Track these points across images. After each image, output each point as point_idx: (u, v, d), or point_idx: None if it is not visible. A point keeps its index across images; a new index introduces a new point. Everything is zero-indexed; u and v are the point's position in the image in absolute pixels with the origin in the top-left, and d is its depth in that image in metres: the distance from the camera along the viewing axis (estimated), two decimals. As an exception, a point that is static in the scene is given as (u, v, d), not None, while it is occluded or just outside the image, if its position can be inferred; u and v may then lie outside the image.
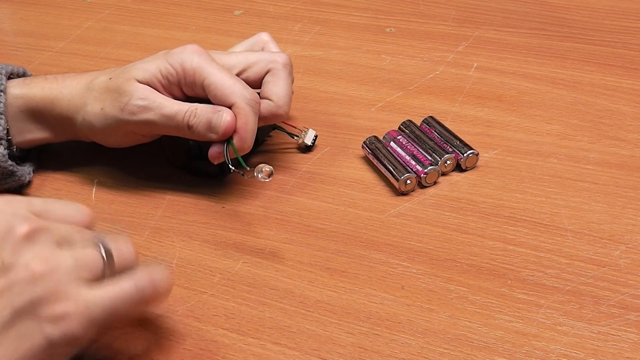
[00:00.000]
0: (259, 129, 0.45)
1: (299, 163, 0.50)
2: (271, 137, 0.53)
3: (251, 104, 0.43)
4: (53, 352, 0.31)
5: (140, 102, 0.43)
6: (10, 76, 0.47)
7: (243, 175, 0.43)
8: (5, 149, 0.45)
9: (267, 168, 0.41)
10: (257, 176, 0.41)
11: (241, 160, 0.43)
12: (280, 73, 0.47)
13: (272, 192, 0.47)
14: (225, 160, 0.43)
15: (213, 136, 0.43)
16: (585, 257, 0.40)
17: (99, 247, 0.34)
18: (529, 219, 0.43)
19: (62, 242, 0.33)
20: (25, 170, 0.47)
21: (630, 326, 0.36)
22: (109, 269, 0.34)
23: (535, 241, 0.42)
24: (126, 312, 0.34)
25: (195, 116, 0.43)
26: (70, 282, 0.32)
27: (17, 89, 0.46)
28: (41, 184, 0.49)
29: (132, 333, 0.37)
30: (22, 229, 0.32)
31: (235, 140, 0.43)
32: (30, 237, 0.32)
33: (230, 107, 0.43)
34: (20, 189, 0.48)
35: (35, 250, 0.32)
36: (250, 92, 0.44)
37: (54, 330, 0.31)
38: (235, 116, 0.43)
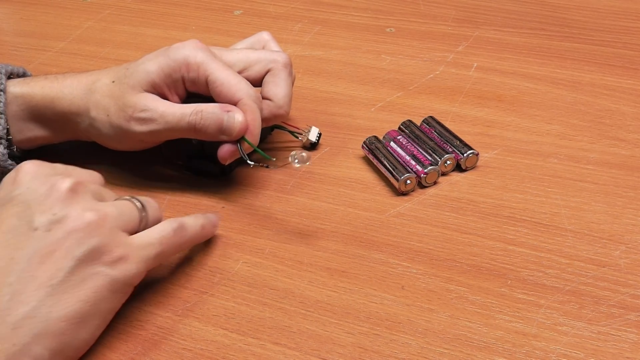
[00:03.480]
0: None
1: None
2: (271, 135, 0.53)
3: (256, 101, 0.43)
4: (114, 294, 0.35)
5: (143, 115, 0.43)
6: (10, 76, 0.47)
7: (267, 167, 0.42)
8: (5, 148, 0.45)
9: (303, 154, 0.41)
10: (294, 163, 0.41)
11: (262, 152, 0.43)
12: (281, 73, 0.47)
13: (272, 192, 0.47)
14: (242, 157, 0.43)
15: (225, 137, 0.43)
16: (585, 257, 0.40)
17: (133, 200, 0.38)
18: (529, 219, 0.43)
19: (98, 197, 0.37)
20: None
21: (630, 326, 0.36)
22: (145, 219, 0.38)
23: (535, 241, 0.42)
24: (170, 251, 0.38)
25: (201, 118, 0.43)
26: (119, 229, 0.35)
27: (17, 88, 0.46)
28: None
29: (132, 333, 0.37)
30: (65, 184, 0.35)
31: (245, 137, 0.43)
32: (74, 190, 0.35)
33: (235, 104, 0.43)
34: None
35: (82, 203, 0.35)
36: (254, 90, 0.44)
37: (115, 272, 0.34)
38: (245, 115, 0.43)
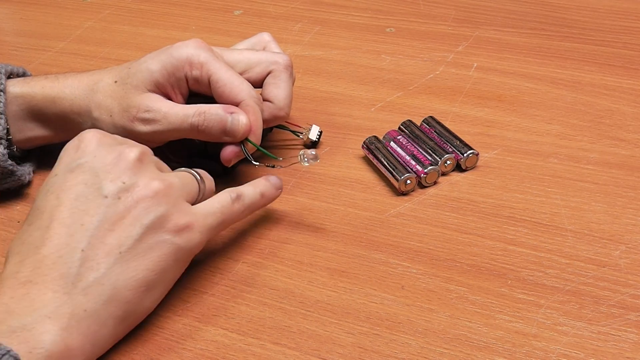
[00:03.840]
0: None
1: (299, 163, 0.49)
2: (272, 133, 0.53)
3: (258, 103, 0.44)
4: (178, 263, 0.36)
5: (147, 115, 0.43)
6: (10, 76, 0.47)
7: (273, 166, 0.43)
8: (5, 148, 0.45)
9: (313, 152, 0.41)
10: (303, 162, 0.41)
11: (268, 152, 0.43)
12: (282, 75, 0.47)
13: (272, 192, 0.47)
14: (247, 157, 0.43)
15: (228, 139, 0.43)
16: (585, 257, 0.40)
17: (191, 172, 0.39)
18: (529, 219, 0.43)
19: (159, 168, 0.38)
20: (25, 170, 0.47)
21: (630, 326, 0.36)
22: (203, 190, 0.39)
23: (535, 241, 0.42)
24: (230, 220, 0.39)
25: (204, 120, 0.43)
26: (183, 198, 0.37)
27: (17, 88, 0.46)
28: (41, 184, 0.49)
29: (132, 333, 0.37)
30: (133, 153, 0.36)
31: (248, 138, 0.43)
32: (140, 160, 0.36)
33: (237, 105, 0.43)
34: (20, 189, 0.48)
35: (149, 172, 0.36)
36: (255, 91, 0.44)
37: (180, 240, 0.36)
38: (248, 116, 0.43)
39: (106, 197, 0.35)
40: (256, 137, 0.43)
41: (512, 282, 0.39)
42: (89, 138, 0.37)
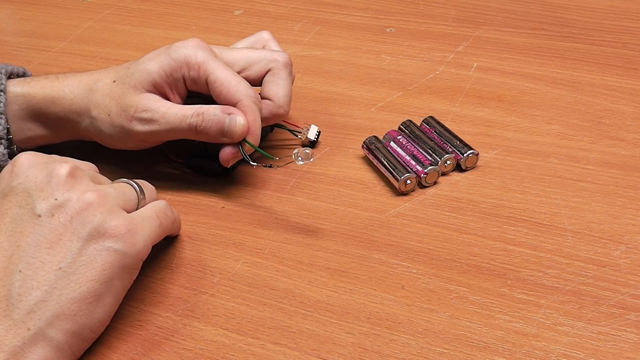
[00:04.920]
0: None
1: (294, 162, 0.49)
2: (272, 133, 0.53)
3: (256, 103, 0.44)
4: (124, 270, 0.35)
5: (145, 115, 0.43)
6: (10, 76, 0.47)
7: (270, 166, 0.43)
8: (5, 148, 0.45)
9: (307, 150, 0.41)
10: (297, 161, 0.41)
11: (265, 152, 0.43)
12: (281, 73, 0.47)
13: (272, 192, 0.47)
14: (245, 158, 0.43)
15: (226, 140, 0.43)
16: (585, 257, 0.40)
17: (130, 183, 0.39)
18: (529, 219, 0.43)
19: (95, 182, 0.38)
20: None
21: (630, 326, 0.36)
22: (142, 200, 0.39)
23: (535, 241, 0.42)
24: (168, 225, 0.39)
25: (203, 120, 0.43)
26: (119, 207, 0.36)
27: (18, 88, 0.46)
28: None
29: (132, 333, 0.37)
30: (64, 169, 0.36)
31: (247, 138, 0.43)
32: (72, 175, 0.36)
33: (234, 105, 0.43)
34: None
35: (82, 185, 0.36)
36: (253, 91, 0.44)
37: (123, 246, 0.35)
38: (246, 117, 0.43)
39: (39, 216, 0.34)
40: (254, 138, 0.43)
41: (512, 282, 0.39)
42: (22, 160, 0.37)
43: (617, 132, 0.51)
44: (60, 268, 0.33)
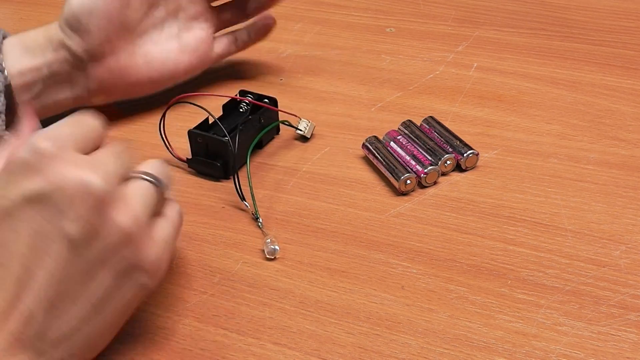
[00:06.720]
0: (264, 134, 0.48)
1: (299, 163, 0.50)
2: (275, 138, 0.53)
3: None
4: (144, 295, 0.34)
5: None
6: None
7: (257, 219, 0.43)
8: (2, 122, 0.46)
9: (275, 247, 0.41)
10: (265, 248, 0.41)
11: (255, 206, 0.44)
12: None
13: (272, 192, 0.47)
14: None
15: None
16: (585, 257, 0.40)
17: (152, 180, 0.35)
18: (529, 219, 0.43)
19: (121, 176, 0.33)
20: None
21: (630, 326, 0.36)
22: (162, 198, 0.36)
23: (535, 241, 0.42)
24: (176, 240, 0.37)
25: None
26: (150, 228, 0.33)
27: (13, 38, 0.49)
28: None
29: (132, 333, 0.37)
30: (99, 185, 0.30)
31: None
32: (109, 193, 0.31)
33: None
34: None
35: (119, 211, 0.31)
36: None
37: (152, 281, 0.33)
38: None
39: (70, 240, 0.30)
40: None
41: (512, 282, 0.39)
42: (46, 157, 0.31)
43: (617, 132, 0.51)
44: (91, 304, 0.31)
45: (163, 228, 0.35)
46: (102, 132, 0.35)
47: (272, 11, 0.57)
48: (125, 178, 0.33)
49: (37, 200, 0.30)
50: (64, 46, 0.48)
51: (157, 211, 0.35)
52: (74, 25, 0.48)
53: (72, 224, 0.30)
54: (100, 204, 0.30)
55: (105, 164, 0.32)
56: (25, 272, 0.30)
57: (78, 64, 0.49)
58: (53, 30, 0.49)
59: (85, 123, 0.34)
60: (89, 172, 0.31)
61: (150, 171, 0.35)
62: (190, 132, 0.48)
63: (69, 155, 0.31)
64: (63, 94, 0.50)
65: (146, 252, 0.32)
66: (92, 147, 0.33)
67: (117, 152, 0.33)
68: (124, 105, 0.55)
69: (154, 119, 0.52)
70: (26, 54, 0.48)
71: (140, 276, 0.33)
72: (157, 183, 0.35)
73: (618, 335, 0.36)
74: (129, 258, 0.32)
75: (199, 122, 0.48)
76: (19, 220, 0.30)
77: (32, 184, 0.30)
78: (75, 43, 0.48)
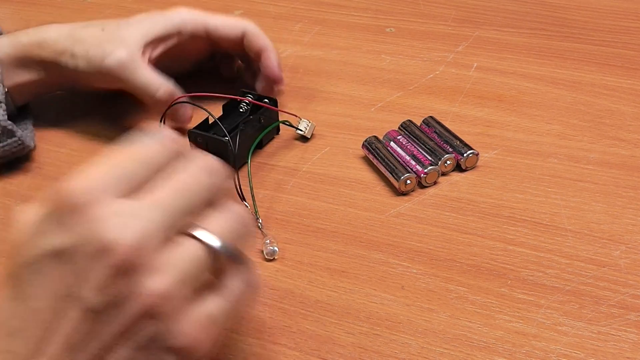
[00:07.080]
0: (264, 134, 0.49)
1: (299, 163, 0.50)
2: (275, 138, 0.53)
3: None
4: None
5: (121, 56, 0.48)
6: None
7: (257, 219, 0.44)
8: (4, 111, 0.47)
9: (274, 248, 0.41)
10: (264, 249, 0.42)
11: (257, 211, 0.44)
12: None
13: (272, 192, 0.47)
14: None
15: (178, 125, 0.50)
16: (585, 257, 0.40)
17: (209, 244, 0.28)
18: (529, 219, 0.43)
19: (168, 230, 0.27)
20: (26, 135, 0.50)
21: (630, 326, 0.36)
22: (221, 264, 0.29)
23: (535, 241, 0.42)
24: (236, 317, 0.31)
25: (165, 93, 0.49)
26: (187, 301, 0.27)
27: (4, 39, 0.50)
28: (40, 185, 0.49)
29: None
30: (125, 245, 0.26)
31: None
32: (135, 254, 0.26)
33: (241, 36, 0.53)
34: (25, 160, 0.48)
35: (143, 276, 0.26)
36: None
37: (178, 359, 0.27)
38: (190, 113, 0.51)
39: (87, 309, 0.26)
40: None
41: (512, 282, 0.39)
42: (78, 207, 0.26)
43: (617, 132, 0.51)
44: None
45: (212, 302, 0.28)
46: (173, 160, 0.29)
47: (272, 11, 0.57)
48: (180, 232, 0.28)
49: (60, 256, 0.26)
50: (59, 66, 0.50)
51: (211, 279, 0.29)
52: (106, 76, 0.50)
53: (89, 292, 0.26)
54: (123, 268, 0.26)
55: (147, 213, 0.27)
56: (44, 332, 0.27)
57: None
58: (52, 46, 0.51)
59: (145, 154, 0.29)
60: (118, 229, 0.26)
61: (215, 228, 0.29)
62: (190, 132, 0.48)
63: (104, 205, 0.27)
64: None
65: (178, 330, 0.27)
66: (149, 184, 0.28)
67: (181, 191, 0.28)
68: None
69: (153, 119, 0.52)
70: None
71: (167, 357, 0.27)
72: (216, 248, 0.28)
73: (618, 335, 0.36)
74: (154, 334, 0.27)
75: (199, 122, 0.49)
76: (41, 274, 0.27)
77: (58, 238, 0.27)
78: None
